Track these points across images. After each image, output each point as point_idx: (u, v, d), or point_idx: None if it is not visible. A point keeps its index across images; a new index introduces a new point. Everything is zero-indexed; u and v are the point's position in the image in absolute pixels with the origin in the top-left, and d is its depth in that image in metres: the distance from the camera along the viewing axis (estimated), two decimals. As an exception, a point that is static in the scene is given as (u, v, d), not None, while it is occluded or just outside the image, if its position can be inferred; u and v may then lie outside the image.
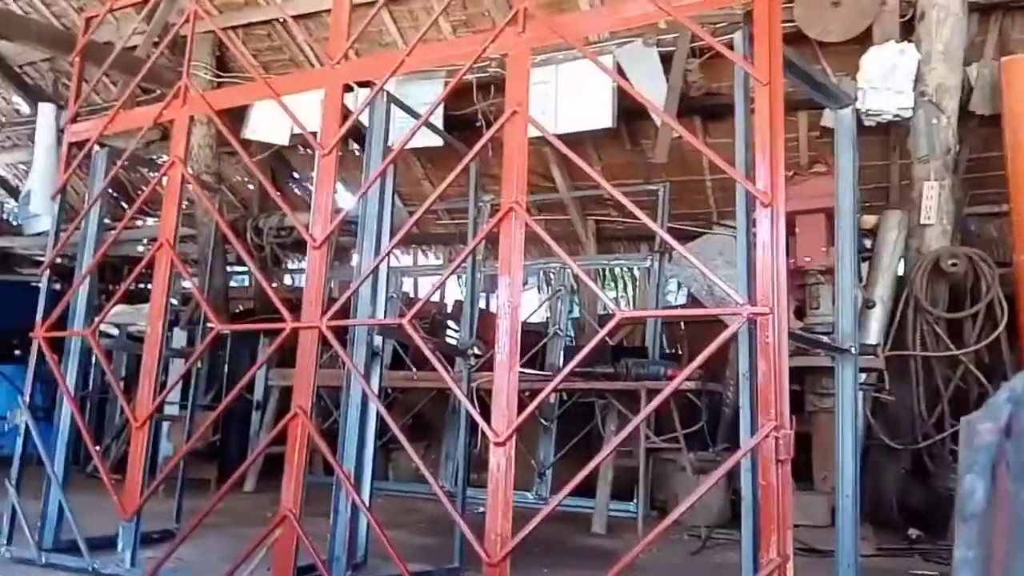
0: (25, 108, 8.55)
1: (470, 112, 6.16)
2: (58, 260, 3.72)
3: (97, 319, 3.43)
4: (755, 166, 2.14)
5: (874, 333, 4.71)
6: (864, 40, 5.13)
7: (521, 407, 2.34)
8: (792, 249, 4.36)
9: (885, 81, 4.95)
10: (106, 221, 3.86)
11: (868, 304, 4.66)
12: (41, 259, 3.62)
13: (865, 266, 5.05)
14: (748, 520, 2.09)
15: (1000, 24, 5.31)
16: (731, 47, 2.32)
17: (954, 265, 4.55)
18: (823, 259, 4.31)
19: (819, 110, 5.65)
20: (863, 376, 4.25)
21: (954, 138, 4.94)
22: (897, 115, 5.00)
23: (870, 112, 5.02)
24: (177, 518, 4.03)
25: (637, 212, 2.39)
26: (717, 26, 5.01)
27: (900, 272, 4.98)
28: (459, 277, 7.17)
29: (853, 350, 2.54)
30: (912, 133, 5.01)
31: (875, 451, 4.59)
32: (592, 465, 2.31)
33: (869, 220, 5.20)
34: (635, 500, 4.77)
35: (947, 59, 4.91)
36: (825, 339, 2.85)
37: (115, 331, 6.69)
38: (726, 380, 5.23)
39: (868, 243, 5.22)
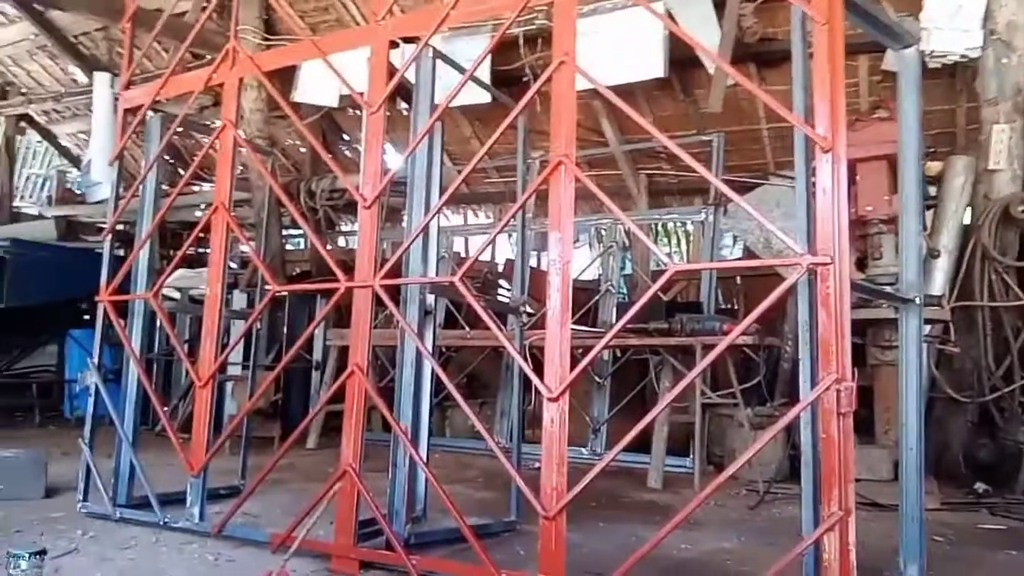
0: (82, 78, 8.72)
1: (517, 67, 6.08)
2: (120, 226, 3.81)
3: (158, 282, 3.51)
4: (814, 111, 2.06)
5: (939, 284, 4.56)
6: (928, -22, 4.87)
7: (574, 364, 2.33)
8: (852, 198, 4.23)
9: (951, 20, 4.71)
10: (164, 187, 3.93)
11: (933, 253, 4.51)
12: (104, 226, 3.71)
13: (929, 214, 4.88)
14: (808, 474, 2.06)
15: (1077, -46, 4.98)
16: (788, -13, 2.22)
17: (1025, 211, 4.36)
18: (885, 208, 4.17)
19: (879, 53, 5.42)
20: (927, 328, 4.13)
21: (1026, 77, 4.69)
22: (964, 55, 4.76)
23: (935, 53, 4.79)
24: (242, 474, 4.16)
25: (692, 163, 2.33)
26: (773, -33, 4.83)
27: (966, 220, 4.80)
28: (509, 236, 7.15)
29: (918, 300, 2.45)
30: (980, 74, 4.78)
31: (939, 404, 4.48)
32: (647, 420, 2.30)
33: (934, 167, 5.00)
34: (691, 455, 4.75)
35: (1019, -7, 4.64)
36: (888, 290, 2.77)
37: (177, 295, 6.88)
38: (784, 334, 5.15)
39: (932, 190, 5.03)
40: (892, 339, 4.09)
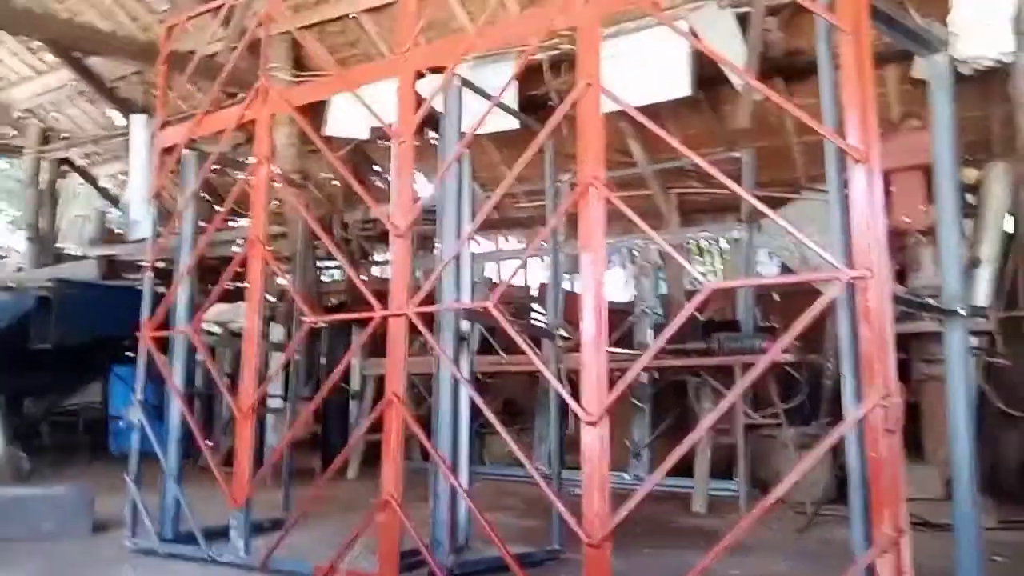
0: (120, 121, 8.97)
1: (543, 93, 6.11)
2: (160, 264, 3.87)
3: (196, 316, 3.56)
4: (845, 123, 2.03)
5: (983, 294, 4.45)
6: (954, -20, 4.81)
7: (612, 387, 2.30)
8: (887, 210, 4.16)
9: (981, 23, 4.64)
10: (201, 224, 4.00)
11: (974, 263, 4.41)
12: (144, 264, 3.79)
13: (968, 224, 4.78)
14: (857, 495, 2.00)
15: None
16: (812, -1, 2.21)
17: (1070, 216, 4.25)
18: (922, 219, 4.10)
19: (908, 62, 5.36)
20: (974, 340, 4.03)
21: (1063, 78, 4.59)
22: (999, 60, 4.68)
23: (967, 59, 4.72)
24: (285, 506, 4.17)
25: (724, 179, 2.31)
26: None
27: (1009, 228, 4.68)
28: (543, 260, 7.15)
29: (962, 311, 2.39)
30: (1015, 76, 4.68)
31: (991, 419, 4.35)
32: (688, 443, 2.26)
33: (970, 174, 4.90)
34: (735, 478, 4.67)
35: (1051, -7, 4.56)
36: (931, 302, 2.70)
37: (219, 330, 6.96)
38: (825, 351, 5.05)
39: (969, 199, 4.94)
40: (937, 353, 4.00)
